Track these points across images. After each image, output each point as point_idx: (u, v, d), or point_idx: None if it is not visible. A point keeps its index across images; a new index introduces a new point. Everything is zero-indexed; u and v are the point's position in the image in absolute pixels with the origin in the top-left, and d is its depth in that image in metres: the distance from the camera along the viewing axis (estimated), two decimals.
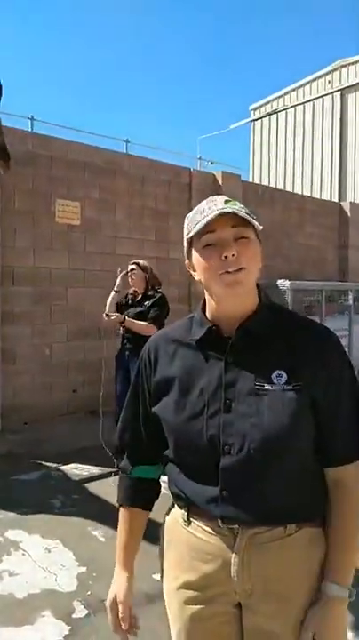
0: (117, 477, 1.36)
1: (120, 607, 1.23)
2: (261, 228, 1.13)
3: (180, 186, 7.36)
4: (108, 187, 6.53)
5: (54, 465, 4.55)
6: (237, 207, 1.11)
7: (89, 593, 2.66)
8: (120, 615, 1.23)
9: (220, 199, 1.13)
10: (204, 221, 1.09)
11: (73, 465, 4.52)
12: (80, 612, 2.51)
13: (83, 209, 6.27)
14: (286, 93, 14.58)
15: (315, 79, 14.07)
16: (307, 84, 14.20)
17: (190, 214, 1.17)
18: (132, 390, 1.30)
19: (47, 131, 6.46)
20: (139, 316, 4.22)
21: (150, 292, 4.32)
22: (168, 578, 1.24)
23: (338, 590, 1.11)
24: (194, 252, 1.15)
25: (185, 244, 1.18)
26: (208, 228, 1.10)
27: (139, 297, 4.37)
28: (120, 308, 4.40)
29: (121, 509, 1.31)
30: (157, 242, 7.04)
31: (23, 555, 3.05)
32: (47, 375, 5.97)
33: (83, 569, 2.89)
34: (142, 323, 4.16)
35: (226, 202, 1.12)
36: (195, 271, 1.17)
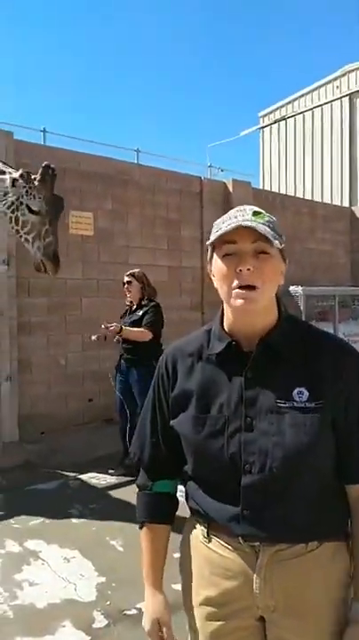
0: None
1: (164, 630, 1.21)
2: (282, 246, 1.10)
3: (191, 194, 7.39)
4: (120, 197, 6.58)
5: (72, 474, 4.58)
6: (262, 221, 1.09)
7: (108, 603, 2.67)
8: (165, 638, 1.21)
9: (249, 209, 1.12)
10: (222, 232, 1.08)
11: (90, 474, 4.55)
12: (100, 622, 2.52)
13: (96, 219, 6.33)
14: (295, 99, 14.58)
15: (323, 84, 14.06)
16: (315, 89, 14.19)
17: (218, 220, 1.15)
18: (151, 404, 1.28)
19: (59, 143, 6.55)
20: (134, 324, 4.33)
21: (144, 302, 4.41)
22: (189, 593, 1.23)
23: None
24: (214, 259, 1.15)
25: (209, 249, 1.17)
26: (228, 238, 1.09)
27: (134, 307, 4.45)
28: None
29: (143, 528, 1.29)
30: (170, 250, 7.07)
31: (42, 564, 3.07)
32: (63, 385, 6.01)
33: (103, 579, 2.90)
34: (138, 329, 4.23)
35: (254, 213, 1.10)
36: (214, 277, 1.17)
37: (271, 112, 14.99)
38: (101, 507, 3.88)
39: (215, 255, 1.14)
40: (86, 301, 6.17)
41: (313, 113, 13.98)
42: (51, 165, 3.73)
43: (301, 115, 14.04)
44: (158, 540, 1.28)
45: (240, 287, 1.08)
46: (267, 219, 1.11)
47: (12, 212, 3.81)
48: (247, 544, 1.11)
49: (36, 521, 3.64)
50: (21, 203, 3.74)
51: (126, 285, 4.48)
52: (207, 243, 1.15)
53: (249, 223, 1.07)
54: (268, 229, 1.08)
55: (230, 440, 1.10)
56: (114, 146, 12.54)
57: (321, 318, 7.96)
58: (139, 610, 2.59)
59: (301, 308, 7.68)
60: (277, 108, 14.89)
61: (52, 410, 5.86)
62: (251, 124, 14.97)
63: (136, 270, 4.56)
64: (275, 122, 14.33)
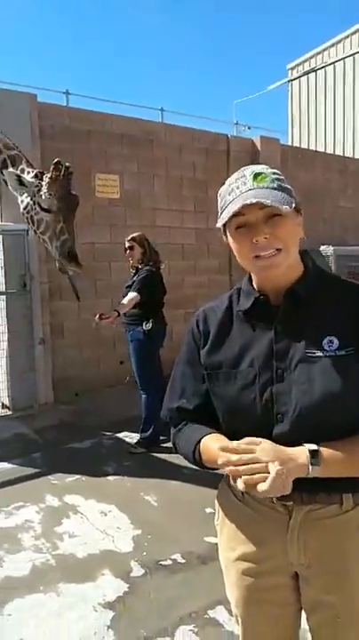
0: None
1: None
2: (290, 209, 1.07)
3: (218, 153, 7.24)
4: (146, 158, 6.50)
5: (106, 433, 4.73)
6: (266, 184, 1.08)
7: (145, 554, 2.79)
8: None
9: (249, 175, 1.10)
10: (227, 214, 1.08)
11: (124, 433, 4.69)
12: (137, 571, 2.64)
13: (122, 182, 6.29)
14: (325, 49, 13.90)
15: (354, 32, 13.36)
16: (346, 37, 13.49)
17: (222, 190, 1.14)
18: (182, 361, 1.29)
19: (82, 104, 6.47)
20: (127, 289, 4.23)
21: (140, 266, 4.27)
22: (225, 548, 1.27)
23: None
24: (228, 233, 1.16)
25: (220, 228, 1.17)
26: (235, 213, 1.08)
27: (134, 272, 4.35)
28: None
29: (200, 446, 1.18)
30: (196, 212, 6.99)
31: (81, 518, 3.22)
32: (95, 348, 6.13)
33: (138, 531, 3.02)
34: (129, 300, 4.12)
35: (254, 177, 1.09)
36: (234, 251, 1.17)
37: (300, 64, 14.37)
38: (135, 464, 4.01)
39: (227, 229, 1.15)
40: (115, 265, 6.19)
41: (344, 63, 13.34)
42: (66, 164, 3.56)
43: (332, 66, 13.41)
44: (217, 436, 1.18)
45: (259, 257, 1.09)
46: (271, 177, 1.09)
47: (28, 212, 3.76)
48: (280, 503, 1.13)
49: (73, 477, 3.80)
50: (34, 202, 3.68)
51: (128, 251, 4.34)
52: (217, 225, 1.16)
53: (253, 199, 1.04)
54: (275, 192, 1.07)
55: (262, 392, 1.12)
56: (138, 105, 12.34)
57: (352, 278, 7.83)
58: (174, 561, 2.70)
59: (332, 267, 7.57)
60: (306, 60, 14.25)
61: (85, 372, 6.01)
62: (278, 78, 14.43)
63: (137, 234, 4.39)
64: (304, 74, 13.74)
